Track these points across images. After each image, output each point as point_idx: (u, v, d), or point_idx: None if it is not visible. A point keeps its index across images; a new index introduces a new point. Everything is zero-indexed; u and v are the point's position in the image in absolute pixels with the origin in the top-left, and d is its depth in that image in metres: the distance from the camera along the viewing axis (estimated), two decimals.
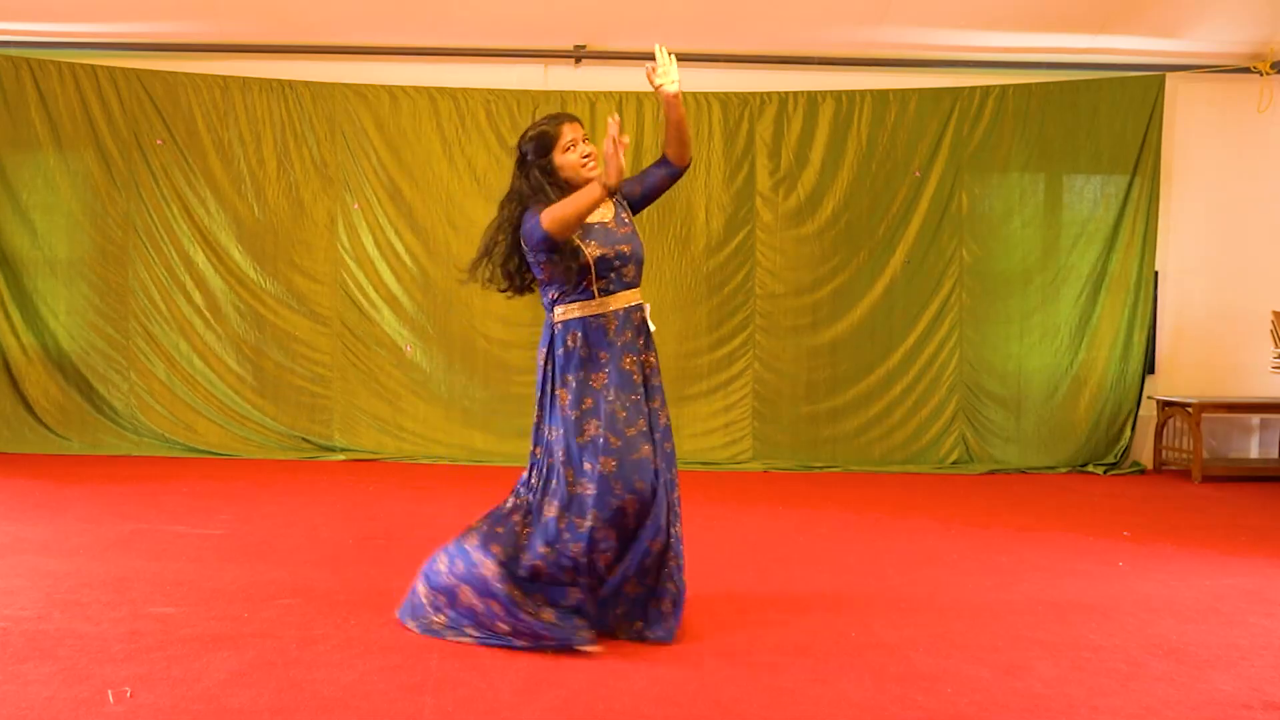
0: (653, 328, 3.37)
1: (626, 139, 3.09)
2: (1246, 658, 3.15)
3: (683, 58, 7.51)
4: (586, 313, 3.25)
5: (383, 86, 6.95)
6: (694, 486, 6.14)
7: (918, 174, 7.05)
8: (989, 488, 6.38)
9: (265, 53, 6.98)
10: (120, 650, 2.98)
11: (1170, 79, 7.08)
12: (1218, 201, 7.24)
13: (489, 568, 3.12)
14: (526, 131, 3.36)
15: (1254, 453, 7.35)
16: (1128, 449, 7.10)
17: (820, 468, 6.93)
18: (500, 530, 3.21)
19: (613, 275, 3.26)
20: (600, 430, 3.16)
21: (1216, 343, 7.26)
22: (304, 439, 6.94)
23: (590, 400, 3.21)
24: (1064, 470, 7.01)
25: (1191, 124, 7.19)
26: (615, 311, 3.26)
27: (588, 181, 3.26)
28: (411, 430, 6.98)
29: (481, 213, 6.96)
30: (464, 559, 3.18)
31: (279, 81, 6.92)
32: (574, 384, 3.23)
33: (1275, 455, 7.23)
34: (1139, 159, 7.06)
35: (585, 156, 3.29)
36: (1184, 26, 6.75)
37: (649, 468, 3.15)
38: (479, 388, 7.01)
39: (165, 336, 6.94)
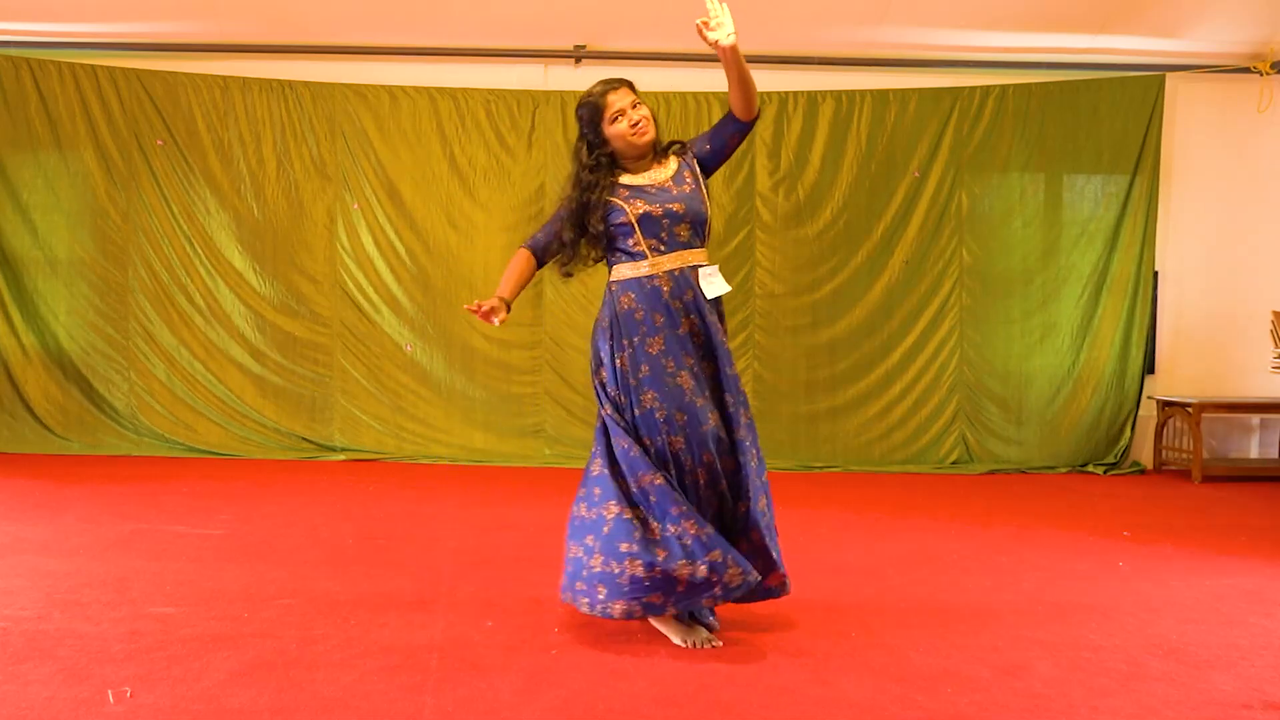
0: (715, 291, 3.23)
1: (496, 321, 3.12)
2: (1246, 658, 3.15)
3: (683, 58, 7.53)
4: (639, 273, 3.20)
5: (383, 86, 6.95)
6: None
7: (917, 174, 7.05)
8: (989, 488, 6.38)
9: (265, 53, 6.98)
10: (120, 650, 2.98)
11: (1170, 79, 7.08)
12: (1218, 201, 7.24)
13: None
14: (581, 99, 3.30)
15: (1254, 453, 7.35)
16: (1128, 449, 7.10)
17: (820, 468, 6.93)
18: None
19: (663, 235, 3.20)
20: (659, 402, 3.13)
21: (1216, 343, 7.26)
22: (304, 439, 6.94)
23: (647, 368, 3.15)
24: (1064, 470, 7.01)
25: (1191, 124, 7.18)
26: (670, 272, 3.20)
27: (640, 150, 3.24)
28: (411, 430, 6.98)
29: (482, 213, 6.99)
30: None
31: (279, 81, 6.92)
32: (629, 349, 3.18)
33: (1275, 455, 7.23)
34: (1139, 159, 7.06)
35: (634, 125, 3.21)
36: (1184, 26, 6.75)
37: (713, 437, 3.13)
38: (479, 388, 7.02)
39: (165, 336, 6.94)
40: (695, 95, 6.95)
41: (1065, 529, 5.09)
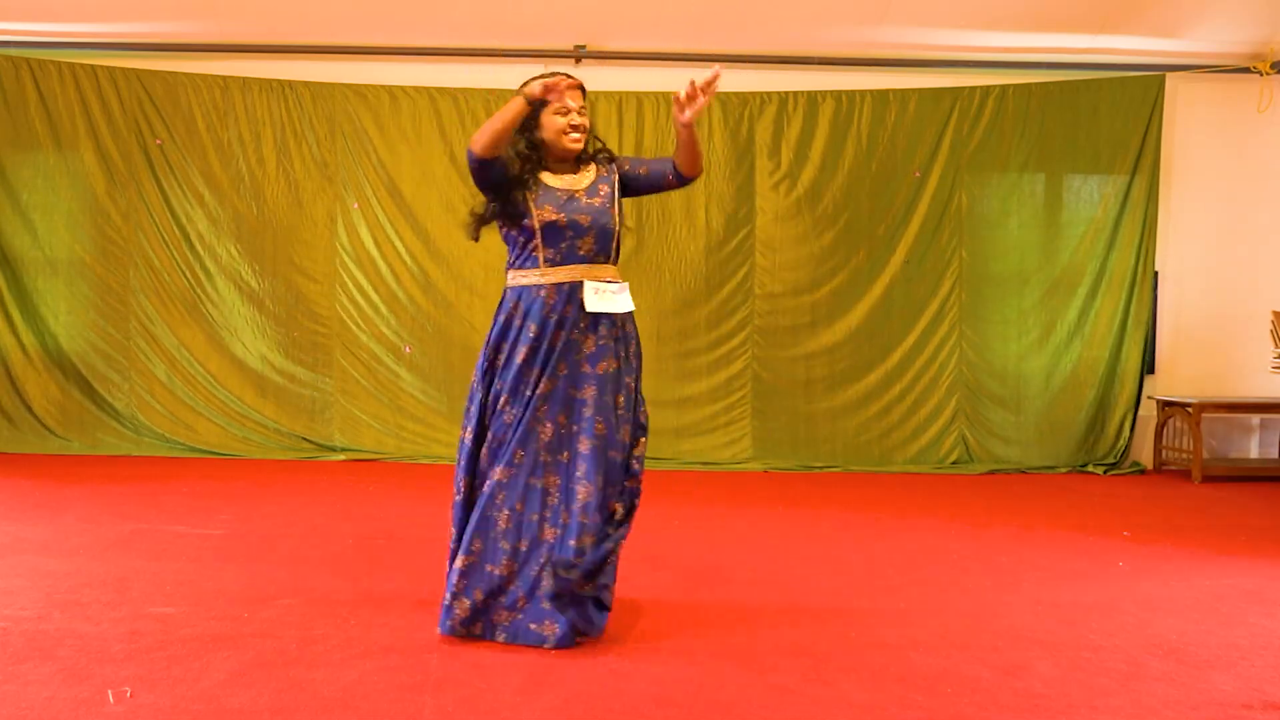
0: (598, 305, 3.11)
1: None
2: (1246, 658, 3.15)
3: (683, 58, 7.54)
4: (528, 282, 3.13)
5: (383, 86, 6.95)
6: (694, 486, 6.15)
7: (917, 174, 7.05)
8: (989, 488, 6.38)
9: (265, 53, 6.98)
10: (120, 650, 2.98)
11: (1170, 79, 7.08)
12: (1218, 201, 7.23)
13: None
14: (530, 80, 3.12)
15: (1254, 453, 7.34)
16: (1128, 449, 7.10)
17: (820, 468, 6.93)
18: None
19: (563, 246, 3.12)
20: (512, 411, 3.11)
21: (1216, 343, 7.25)
22: (304, 439, 6.94)
23: (511, 379, 3.12)
24: (1064, 470, 7.01)
25: (1191, 124, 7.18)
26: (559, 285, 3.11)
27: (566, 151, 3.16)
28: (411, 430, 6.98)
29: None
30: None
31: (279, 81, 6.92)
32: (502, 360, 3.14)
33: (1275, 455, 7.23)
34: (1139, 159, 7.06)
35: (573, 128, 3.15)
36: (1184, 26, 6.75)
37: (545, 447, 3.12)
38: None
39: (165, 336, 6.94)
40: None
41: (1065, 529, 5.09)
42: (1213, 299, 7.26)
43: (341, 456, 6.83)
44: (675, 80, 6.89)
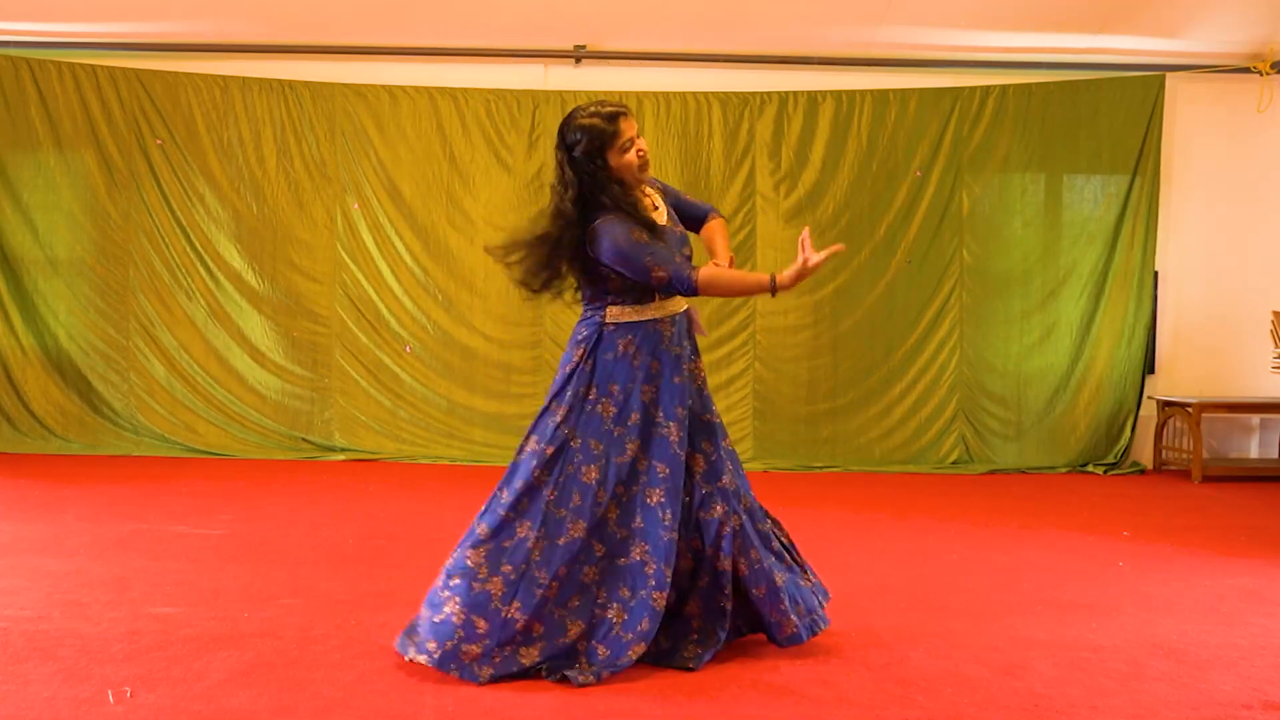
0: (704, 333, 3.22)
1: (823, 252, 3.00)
2: (1246, 658, 3.15)
3: (683, 58, 7.53)
4: (644, 316, 3.04)
5: (383, 86, 6.95)
6: None
7: (918, 174, 7.05)
8: (989, 488, 6.38)
9: (265, 53, 6.98)
10: (120, 650, 2.98)
11: (1170, 79, 7.08)
12: (1218, 201, 7.24)
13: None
14: (575, 120, 2.98)
15: (1254, 453, 7.34)
16: (1128, 449, 7.10)
17: (820, 468, 6.93)
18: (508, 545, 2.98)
19: None
20: (647, 457, 2.99)
21: (1216, 343, 7.25)
22: (304, 439, 6.94)
23: (636, 416, 3.00)
24: (1064, 470, 7.01)
25: (1191, 124, 7.18)
26: (673, 316, 3.08)
27: (640, 183, 3.05)
28: (411, 430, 6.98)
29: (481, 213, 6.99)
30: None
31: (279, 81, 6.92)
32: (620, 395, 3.00)
33: (1275, 455, 7.23)
34: (1139, 159, 7.06)
35: (641, 153, 3.01)
36: (1184, 26, 6.75)
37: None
38: (479, 387, 7.01)
39: (165, 336, 6.94)
40: (695, 95, 6.95)
41: (1065, 529, 5.09)
42: (1213, 299, 7.26)
43: (341, 456, 6.83)
44: (675, 80, 6.98)
